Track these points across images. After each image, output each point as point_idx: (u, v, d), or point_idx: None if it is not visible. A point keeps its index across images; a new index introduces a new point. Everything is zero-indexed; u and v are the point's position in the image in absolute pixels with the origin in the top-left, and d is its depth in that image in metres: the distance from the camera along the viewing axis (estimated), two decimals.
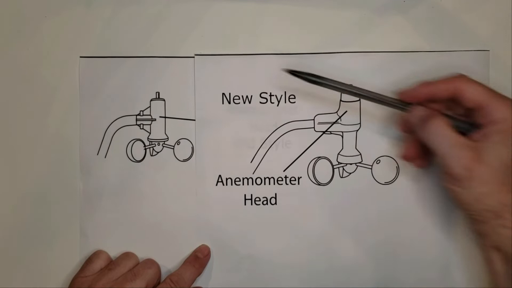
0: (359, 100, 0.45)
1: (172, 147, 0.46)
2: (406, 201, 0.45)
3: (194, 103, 0.45)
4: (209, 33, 0.46)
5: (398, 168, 0.45)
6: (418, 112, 0.40)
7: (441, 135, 0.39)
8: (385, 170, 0.45)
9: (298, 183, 0.45)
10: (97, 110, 0.45)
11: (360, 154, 0.45)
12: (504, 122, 0.38)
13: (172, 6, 0.46)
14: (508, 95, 0.45)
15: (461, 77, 0.41)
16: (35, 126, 0.45)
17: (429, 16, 0.46)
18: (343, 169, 0.46)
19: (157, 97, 0.46)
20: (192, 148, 0.46)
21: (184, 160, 0.46)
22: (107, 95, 0.45)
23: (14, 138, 0.46)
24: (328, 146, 0.46)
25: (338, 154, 0.46)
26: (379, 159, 0.45)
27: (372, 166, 0.45)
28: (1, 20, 0.46)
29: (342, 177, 0.46)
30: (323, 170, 0.45)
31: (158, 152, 0.46)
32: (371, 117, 0.45)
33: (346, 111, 0.45)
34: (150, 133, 0.46)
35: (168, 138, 0.46)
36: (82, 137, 0.45)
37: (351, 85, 0.41)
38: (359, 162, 0.45)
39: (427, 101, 0.41)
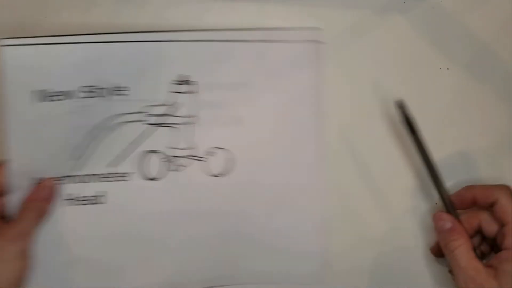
0: (197, 92, 0.43)
1: None
2: (243, 194, 0.43)
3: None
4: None
5: (233, 160, 0.44)
6: (443, 223, 0.40)
7: (463, 265, 0.38)
8: (220, 163, 0.43)
9: (128, 179, 0.43)
10: None
11: (195, 147, 0.43)
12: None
13: None
14: (508, 95, 0.45)
15: (502, 188, 0.40)
16: None
17: (429, 16, 0.46)
18: (177, 162, 0.43)
19: None
20: None
21: None
22: None
23: None
24: (162, 139, 0.43)
25: (172, 147, 0.43)
26: (214, 151, 0.43)
27: (207, 158, 0.43)
28: (1, 20, 0.46)
29: (175, 171, 0.43)
30: (155, 165, 0.43)
31: None
32: (208, 110, 0.43)
33: (181, 103, 0.43)
34: None
35: None
36: None
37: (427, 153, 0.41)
38: (194, 156, 0.43)
39: (471, 205, 0.41)
